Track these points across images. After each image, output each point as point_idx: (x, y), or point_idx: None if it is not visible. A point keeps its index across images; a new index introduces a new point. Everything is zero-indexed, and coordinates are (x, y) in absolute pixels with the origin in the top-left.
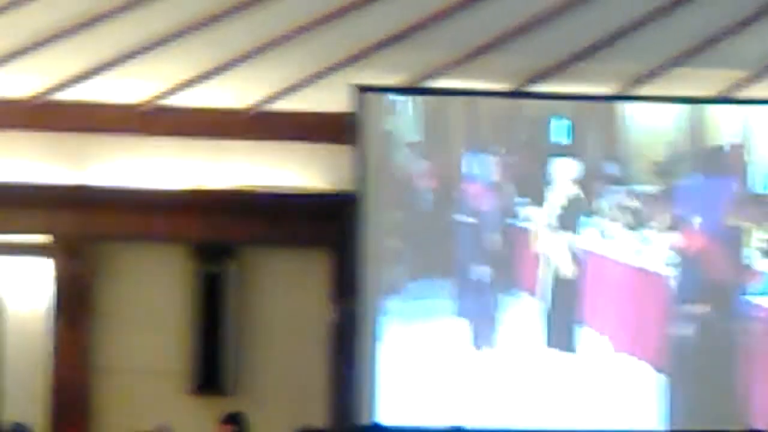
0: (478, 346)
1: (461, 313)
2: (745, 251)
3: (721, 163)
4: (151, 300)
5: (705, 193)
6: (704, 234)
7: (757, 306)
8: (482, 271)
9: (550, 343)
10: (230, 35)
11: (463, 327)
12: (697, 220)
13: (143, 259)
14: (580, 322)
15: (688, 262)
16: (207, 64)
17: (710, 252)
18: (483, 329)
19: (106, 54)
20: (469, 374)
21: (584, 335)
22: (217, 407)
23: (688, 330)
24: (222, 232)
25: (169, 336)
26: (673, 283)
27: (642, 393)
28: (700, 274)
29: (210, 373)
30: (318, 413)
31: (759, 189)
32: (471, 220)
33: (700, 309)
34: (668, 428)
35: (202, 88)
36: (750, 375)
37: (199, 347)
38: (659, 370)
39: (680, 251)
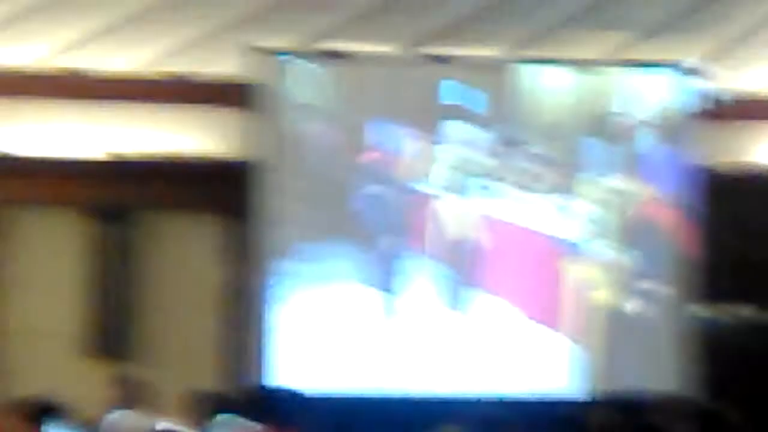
0: (377, 310)
1: (360, 277)
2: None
3: (610, 126)
4: (50, 264)
5: (595, 155)
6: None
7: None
8: (381, 235)
9: (448, 305)
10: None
11: (363, 290)
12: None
13: (42, 224)
14: (479, 285)
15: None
16: (101, 26)
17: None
18: (382, 292)
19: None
20: (369, 337)
21: (483, 297)
22: (111, 370)
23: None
24: (120, 196)
25: (67, 299)
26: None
27: (539, 356)
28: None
29: (107, 336)
30: (213, 376)
31: (647, 152)
32: (370, 184)
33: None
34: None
35: (98, 51)
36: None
37: (96, 310)
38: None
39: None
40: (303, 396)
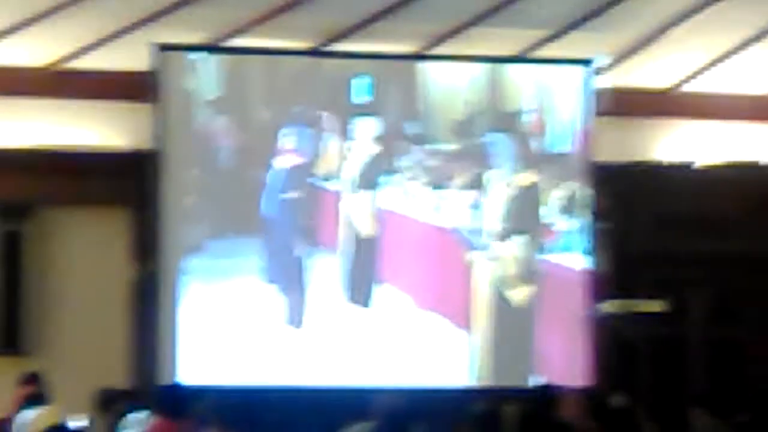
0: (282, 306)
1: (263, 272)
2: (543, 209)
3: (519, 123)
4: None
5: (503, 152)
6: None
7: (554, 263)
8: (284, 230)
9: (351, 300)
10: None
11: (268, 287)
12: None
13: None
14: (380, 280)
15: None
16: (5, 22)
17: None
18: (286, 288)
19: None
20: (273, 333)
21: (384, 292)
22: (17, 367)
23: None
24: (21, 191)
25: None
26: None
27: (443, 349)
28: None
29: (9, 333)
30: (120, 373)
31: (556, 148)
32: (279, 182)
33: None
34: (470, 384)
35: (4, 47)
36: (546, 331)
37: (1, 308)
38: (461, 326)
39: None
40: (205, 391)
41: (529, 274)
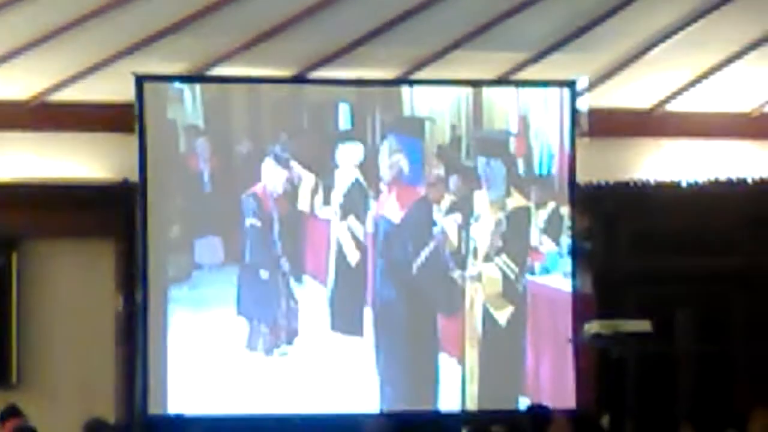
0: (254, 332)
1: (238, 301)
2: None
3: (503, 146)
4: None
5: (491, 175)
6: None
7: (541, 284)
8: (269, 258)
9: (334, 327)
10: (10, 25)
11: (241, 315)
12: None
13: None
14: (365, 305)
15: None
16: None
17: None
18: (259, 316)
19: None
20: (257, 362)
21: (373, 317)
22: (2, 400)
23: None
24: (5, 223)
25: None
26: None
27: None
28: None
29: None
30: (106, 405)
31: (540, 170)
32: (258, 208)
33: None
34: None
35: None
36: (534, 353)
37: None
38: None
39: None
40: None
41: (514, 294)
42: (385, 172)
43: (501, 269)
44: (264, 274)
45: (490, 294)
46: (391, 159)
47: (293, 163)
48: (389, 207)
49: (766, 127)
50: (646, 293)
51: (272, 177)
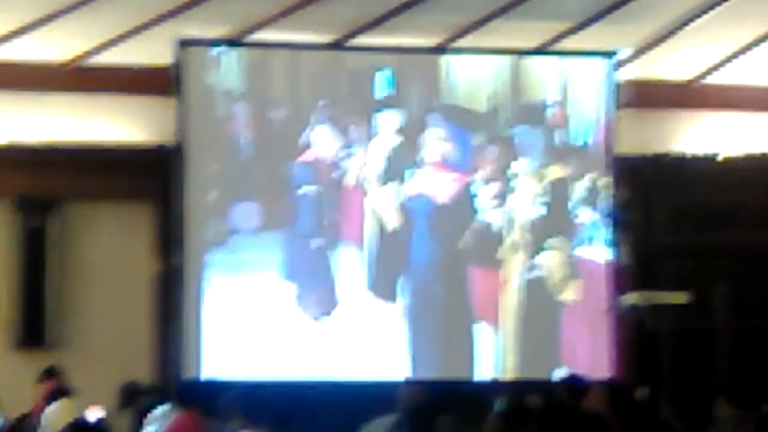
0: (303, 298)
1: (286, 266)
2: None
3: (542, 116)
4: None
5: (530, 144)
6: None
7: (578, 256)
8: (309, 224)
9: (375, 293)
10: None
11: (289, 280)
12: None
13: None
14: (402, 272)
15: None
16: (28, 17)
17: None
18: (309, 282)
19: None
20: (297, 327)
21: (414, 285)
22: (40, 361)
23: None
24: (45, 186)
25: None
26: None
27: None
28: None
29: (33, 327)
30: (143, 368)
31: (578, 141)
32: (303, 179)
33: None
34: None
35: (24, 41)
36: (572, 324)
37: (22, 301)
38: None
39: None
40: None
41: (572, 271)
42: (428, 149)
43: (539, 240)
44: (314, 242)
45: (528, 265)
46: (434, 141)
47: (336, 131)
48: (430, 178)
49: None
50: (683, 266)
51: (325, 144)
